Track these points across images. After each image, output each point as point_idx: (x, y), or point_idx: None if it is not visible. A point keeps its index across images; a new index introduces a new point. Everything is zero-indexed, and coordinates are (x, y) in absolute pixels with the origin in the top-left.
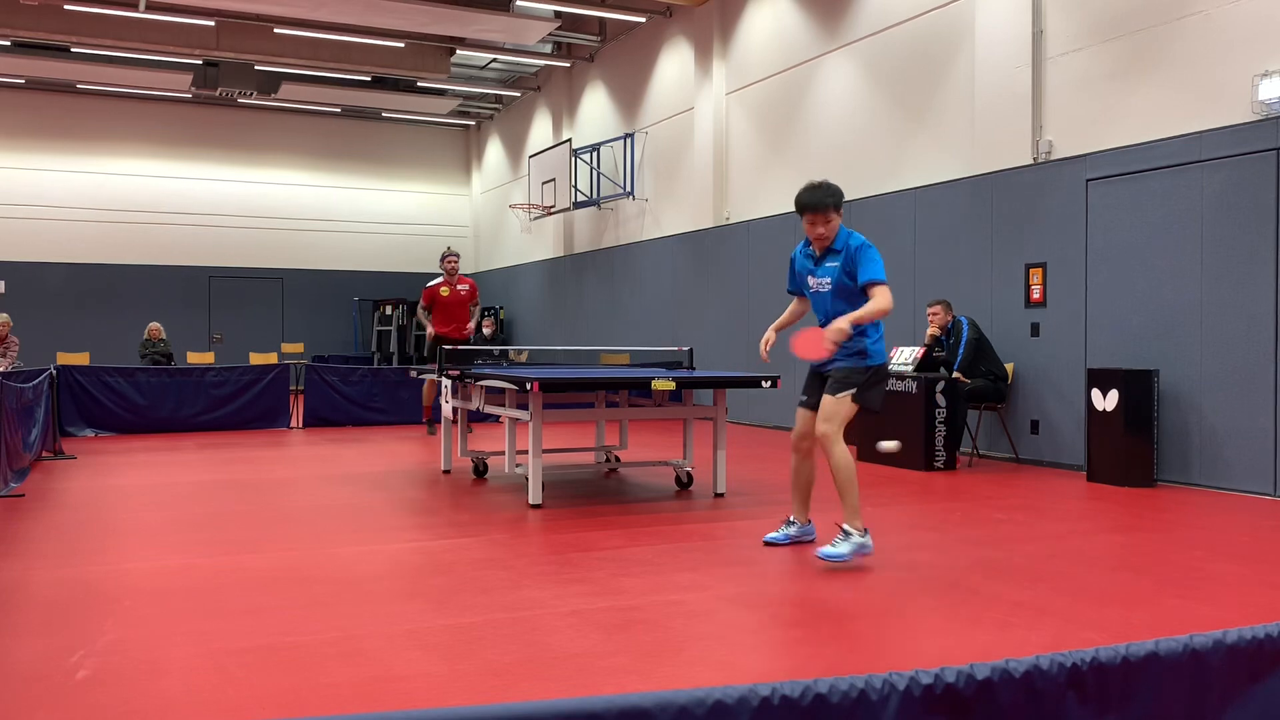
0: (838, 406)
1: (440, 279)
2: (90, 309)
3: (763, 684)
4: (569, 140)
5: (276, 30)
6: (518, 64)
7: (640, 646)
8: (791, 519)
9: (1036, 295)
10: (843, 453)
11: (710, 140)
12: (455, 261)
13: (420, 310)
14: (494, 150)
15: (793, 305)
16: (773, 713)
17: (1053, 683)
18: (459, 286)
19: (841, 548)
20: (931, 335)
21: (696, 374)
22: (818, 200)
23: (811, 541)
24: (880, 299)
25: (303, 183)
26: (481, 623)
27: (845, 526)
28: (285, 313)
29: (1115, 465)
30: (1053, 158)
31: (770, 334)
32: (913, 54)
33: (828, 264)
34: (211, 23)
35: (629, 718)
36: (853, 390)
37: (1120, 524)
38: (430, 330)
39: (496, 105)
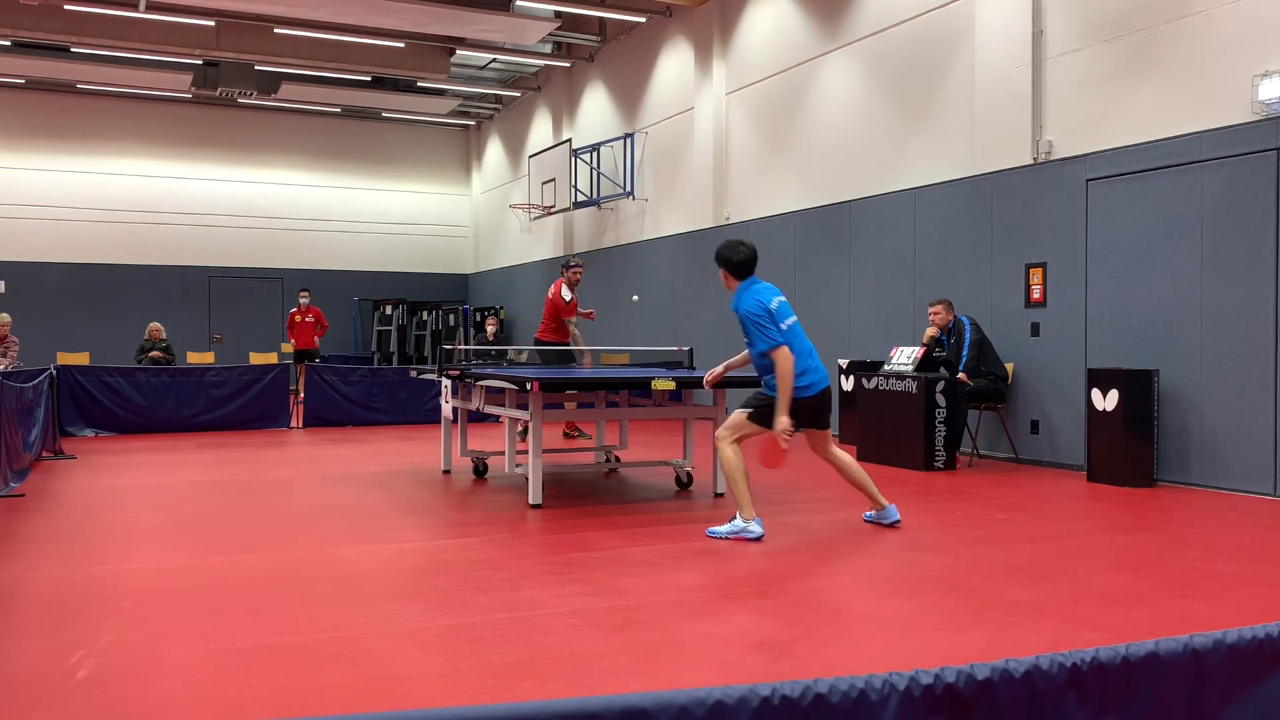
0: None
1: (561, 282)
2: (90, 309)
3: (763, 684)
4: (569, 140)
5: (276, 30)
6: (518, 64)
7: (640, 646)
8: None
9: (1036, 295)
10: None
11: (710, 140)
12: (580, 272)
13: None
14: (494, 150)
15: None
16: (773, 713)
17: (1053, 683)
18: None
19: (723, 527)
20: (930, 335)
21: (696, 374)
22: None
23: (891, 525)
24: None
25: (303, 183)
26: (481, 623)
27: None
28: (285, 313)
29: (1115, 465)
30: (1053, 158)
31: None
32: (912, 54)
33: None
34: (211, 23)
35: (629, 718)
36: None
37: (1120, 524)
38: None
39: (496, 105)
